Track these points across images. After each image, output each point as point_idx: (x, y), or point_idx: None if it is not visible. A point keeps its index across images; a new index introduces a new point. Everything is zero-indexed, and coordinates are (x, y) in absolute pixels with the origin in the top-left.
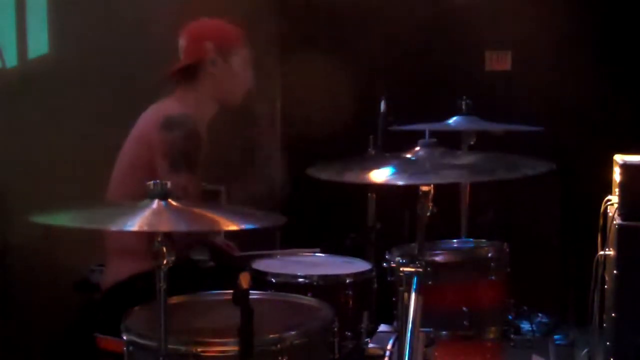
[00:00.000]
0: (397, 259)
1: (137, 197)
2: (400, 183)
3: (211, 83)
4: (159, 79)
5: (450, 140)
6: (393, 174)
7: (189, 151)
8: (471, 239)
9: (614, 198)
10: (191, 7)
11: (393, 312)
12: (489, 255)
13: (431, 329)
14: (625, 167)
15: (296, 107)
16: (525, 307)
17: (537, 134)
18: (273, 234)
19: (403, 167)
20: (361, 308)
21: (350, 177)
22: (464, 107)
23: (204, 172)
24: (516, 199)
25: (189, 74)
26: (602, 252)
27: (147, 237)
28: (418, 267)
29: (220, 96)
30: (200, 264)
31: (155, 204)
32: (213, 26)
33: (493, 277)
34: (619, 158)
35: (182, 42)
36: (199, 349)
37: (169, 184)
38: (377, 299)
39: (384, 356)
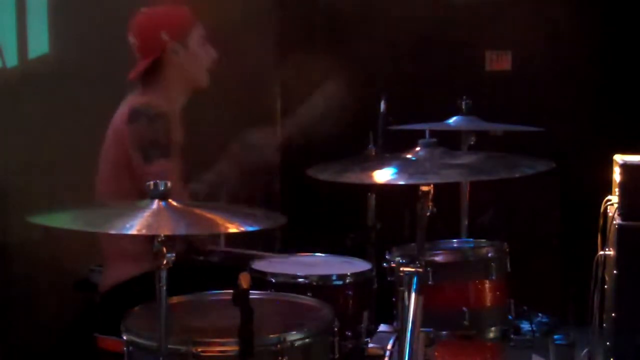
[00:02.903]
0: (397, 259)
1: (122, 195)
2: (400, 183)
3: (176, 71)
4: (125, 82)
5: (450, 140)
6: (393, 174)
7: (157, 137)
8: (471, 239)
9: (614, 198)
10: (191, 7)
11: (393, 312)
12: (489, 255)
13: (431, 329)
14: (625, 167)
15: (296, 107)
16: (525, 307)
17: (537, 134)
18: (273, 234)
19: (403, 167)
20: (361, 308)
21: (350, 177)
22: (464, 107)
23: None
24: (516, 199)
25: (153, 69)
26: (602, 252)
27: (147, 238)
28: (418, 267)
29: (188, 81)
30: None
31: (155, 204)
32: (162, 14)
33: (493, 277)
34: (619, 158)
35: (133, 39)
36: (199, 349)
37: (169, 184)
38: (377, 299)
39: (384, 356)
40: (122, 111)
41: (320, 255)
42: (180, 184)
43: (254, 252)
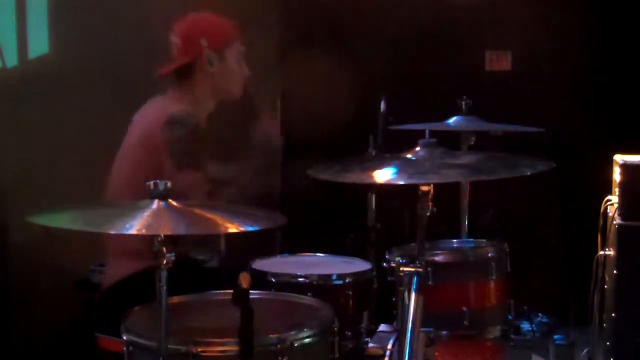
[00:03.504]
0: (397, 259)
1: (143, 197)
2: (400, 183)
3: (208, 80)
4: (154, 77)
5: (450, 140)
6: (393, 174)
7: (193, 149)
8: (471, 239)
9: (614, 198)
10: (191, 7)
11: (393, 312)
12: (489, 255)
13: (431, 329)
14: (625, 167)
15: (296, 106)
16: (525, 307)
17: (537, 134)
18: (273, 234)
19: (403, 167)
20: (361, 308)
21: (350, 177)
22: (464, 107)
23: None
24: (516, 199)
25: (185, 72)
26: (602, 252)
27: (147, 237)
28: (418, 267)
29: (218, 92)
30: (200, 264)
31: (155, 204)
32: (207, 22)
33: (493, 277)
34: (619, 158)
35: (175, 39)
36: (199, 349)
37: (169, 184)
38: (377, 299)
39: (384, 356)
40: (156, 115)
41: (320, 255)
42: (205, 194)
43: None
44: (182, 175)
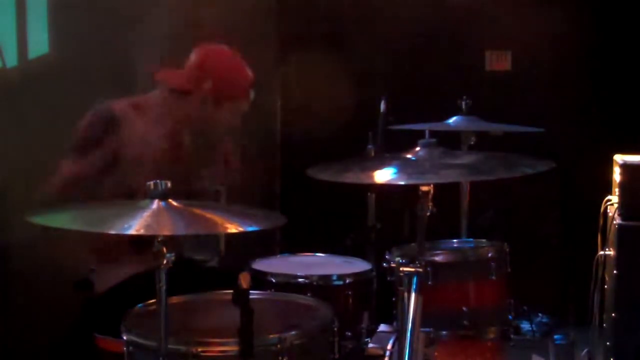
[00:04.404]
0: (397, 259)
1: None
2: (400, 183)
3: (188, 111)
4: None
5: (450, 140)
6: (393, 174)
7: (84, 136)
8: (471, 239)
9: (614, 198)
10: (191, 6)
11: (393, 312)
12: (489, 255)
13: (431, 329)
14: (625, 167)
15: (296, 106)
16: (525, 307)
17: (537, 134)
18: (273, 234)
19: (403, 167)
20: (361, 308)
21: (350, 177)
22: (464, 107)
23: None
24: (516, 199)
25: (176, 89)
26: (602, 252)
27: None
28: (418, 267)
29: (187, 126)
30: (200, 264)
31: (155, 204)
32: (224, 65)
33: (493, 277)
34: (619, 158)
35: (191, 58)
36: (199, 349)
37: (169, 184)
38: (377, 299)
39: (384, 356)
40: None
41: (320, 255)
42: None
43: None
44: (67, 161)
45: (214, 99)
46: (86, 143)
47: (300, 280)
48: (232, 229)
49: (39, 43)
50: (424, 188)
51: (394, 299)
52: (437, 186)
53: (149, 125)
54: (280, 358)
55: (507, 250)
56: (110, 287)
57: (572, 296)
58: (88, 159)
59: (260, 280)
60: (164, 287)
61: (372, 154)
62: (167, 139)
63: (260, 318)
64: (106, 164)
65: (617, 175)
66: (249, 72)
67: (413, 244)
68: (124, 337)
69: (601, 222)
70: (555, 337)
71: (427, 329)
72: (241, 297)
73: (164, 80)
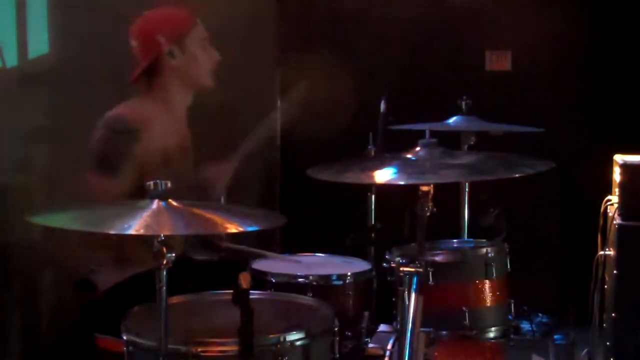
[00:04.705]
0: (397, 259)
1: None
2: (400, 183)
3: (176, 74)
4: (127, 84)
5: (450, 140)
6: (393, 174)
7: (109, 152)
8: (471, 239)
9: (614, 198)
10: (191, 7)
11: (393, 312)
12: (489, 255)
13: (431, 329)
14: (625, 167)
15: (296, 107)
16: (525, 307)
17: (537, 134)
18: (273, 234)
19: (403, 167)
20: (361, 308)
21: (350, 177)
22: (464, 107)
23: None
24: (516, 199)
25: (152, 72)
26: (602, 252)
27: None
28: (418, 267)
29: (189, 84)
30: (200, 264)
31: (155, 204)
32: (159, 17)
33: (493, 277)
34: (619, 158)
35: (133, 42)
36: (199, 349)
37: (169, 184)
38: (377, 299)
39: (384, 356)
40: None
41: (320, 255)
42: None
43: (267, 252)
44: (89, 178)
45: (177, 45)
46: (113, 159)
47: (300, 280)
48: (232, 229)
49: (39, 43)
50: (424, 188)
51: (394, 299)
52: (437, 186)
53: (163, 125)
54: (280, 358)
55: (507, 250)
56: (110, 287)
57: (572, 296)
58: (120, 175)
59: (260, 280)
60: (164, 287)
61: (372, 154)
62: (175, 135)
63: (260, 318)
64: (138, 175)
65: (617, 175)
66: (174, 6)
67: (413, 244)
68: (124, 337)
69: (601, 222)
70: (555, 337)
71: (427, 329)
72: (241, 297)
73: (136, 76)
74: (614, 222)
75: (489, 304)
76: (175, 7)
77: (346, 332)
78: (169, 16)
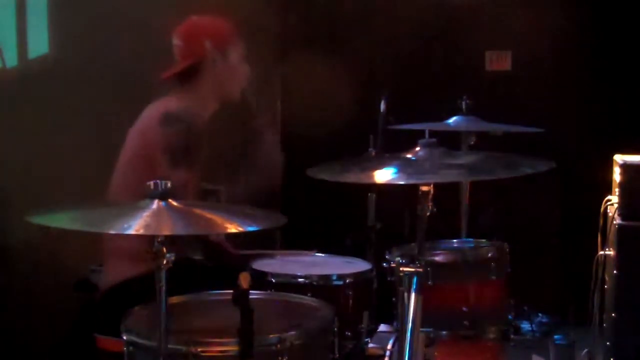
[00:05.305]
0: (397, 259)
1: (138, 192)
2: (400, 183)
3: (212, 81)
4: (157, 80)
5: (450, 140)
6: (393, 174)
7: (188, 147)
8: (471, 239)
9: (614, 198)
10: (192, 7)
11: (393, 312)
12: (489, 255)
13: (431, 329)
14: (625, 167)
15: (296, 107)
16: (525, 307)
17: (537, 134)
18: (273, 234)
19: (403, 167)
20: (361, 308)
21: (350, 177)
22: (464, 107)
23: (203, 170)
24: (516, 199)
25: (189, 74)
26: (602, 252)
27: (146, 239)
28: (418, 267)
29: (220, 93)
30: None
31: (155, 204)
32: (209, 24)
33: (493, 277)
34: (619, 158)
35: (177, 42)
36: (199, 349)
37: (169, 184)
38: (377, 299)
39: (384, 356)
40: (154, 112)
41: (320, 255)
42: (197, 195)
43: (276, 252)
44: (176, 173)
45: (220, 54)
46: (187, 153)
47: (300, 280)
48: (232, 229)
49: (39, 43)
50: (424, 188)
51: (394, 299)
52: (437, 186)
53: (202, 119)
54: (280, 358)
55: (507, 250)
56: (111, 287)
57: (572, 296)
58: (193, 166)
59: (260, 280)
60: (164, 287)
61: (372, 155)
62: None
63: (260, 318)
64: (200, 167)
65: (617, 175)
66: (222, 17)
67: (413, 244)
68: (124, 337)
69: (601, 222)
70: (555, 337)
71: (427, 329)
72: (241, 297)
73: (172, 74)
74: (614, 222)
75: (489, 304)
76: (222, 18)
77: (346, 332)
78: (218, 24)
